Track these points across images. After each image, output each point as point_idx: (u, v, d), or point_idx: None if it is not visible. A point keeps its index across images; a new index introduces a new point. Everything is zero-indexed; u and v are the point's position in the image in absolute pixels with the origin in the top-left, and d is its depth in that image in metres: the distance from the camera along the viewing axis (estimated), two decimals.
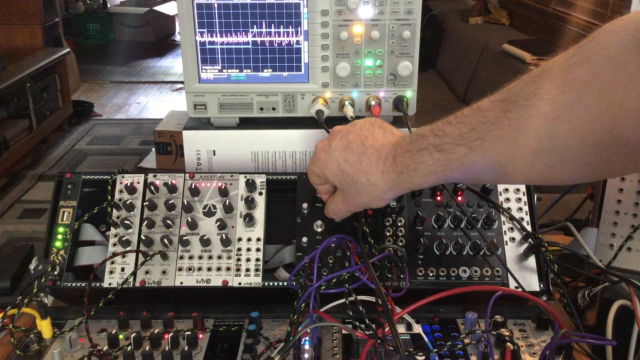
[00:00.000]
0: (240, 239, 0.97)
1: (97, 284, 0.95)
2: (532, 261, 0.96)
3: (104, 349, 0.85)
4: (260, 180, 1.01)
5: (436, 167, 0.73)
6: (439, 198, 1.00)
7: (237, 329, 0.89)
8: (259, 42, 1.08)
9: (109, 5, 7.91)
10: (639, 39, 0.56)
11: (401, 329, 0.88)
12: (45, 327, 0.87)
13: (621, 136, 0.59)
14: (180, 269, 0.95)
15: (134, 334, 0.85)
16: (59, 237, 0.98)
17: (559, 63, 0.63)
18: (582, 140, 0.61)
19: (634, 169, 0.65)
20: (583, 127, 0.61)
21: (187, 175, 1.02)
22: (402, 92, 1.10)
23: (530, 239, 0.96)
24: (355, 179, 0.81)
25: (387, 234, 0.98)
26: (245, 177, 1.02)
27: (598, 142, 0.61)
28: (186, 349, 0.82)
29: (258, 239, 0.97)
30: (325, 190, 0.92)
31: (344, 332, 0.87)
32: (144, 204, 0.99)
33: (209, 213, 0.99)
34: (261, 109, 1.11)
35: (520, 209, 0.99)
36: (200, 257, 0.96)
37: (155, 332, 0.86)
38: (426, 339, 0.85)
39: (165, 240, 0.96)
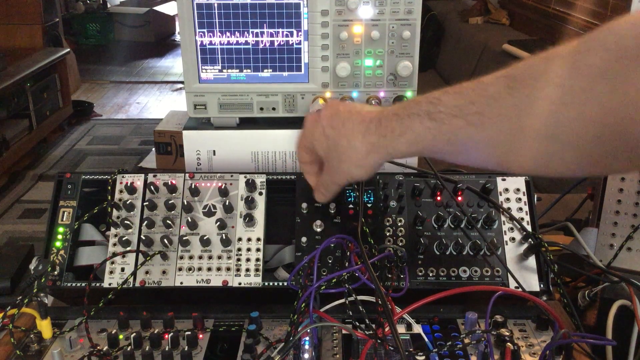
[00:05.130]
0: (240, 239, 0.97)
1: (97, 284, 0.95)
2: (532, 261, 0.96)
3: (104, 349, 0.85)
4: (260, 180, 1.01)
5: (424, 136, 0.69)
6: (439, 198, 1.00)
7: (237, 329, 0.89)
8: (259, 42, 1.08)
9: (109, 5, 7.91)
10: None
11: (401, 329, 0.88)
12: (45, 327, 0.87)
13: (629, 131, 0.57)
14: (180, 269, 0.95)
15: (134, 334, 0.85)
16: (59, 237, 0.98)
17: (571, 46, 0.60)
18: (588, 131, 0.59)
19: (636, 167, 0.63)
20: (591, 116, 0.58)
21: (187, 175, 1.02)
22: (402, 92, 1.10)
23: (530, 239, 0.96)
24: (337, 142, 0.78)
25: (387, 234, 0.98)
26: (245, 177, 1.02)
27: (604, 134, 0.59)
28: (186, 349, 0.82)
29: (258, 239, 0.97)
30: (311, 170, 0.88)
31: (344, 332, 0.87)
32: (144, 204, 0.99)
33: (209, 213, 0.99)
34: (261, 109, 1.11)
35: (520, 209, 0.99)
36: (200, 257, 0.96)
37: (155, 332, 0.86)
38: (426, 339, 0.85)
39: (165, 240, 0.96)
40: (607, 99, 0.57)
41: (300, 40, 1.07)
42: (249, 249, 0.96)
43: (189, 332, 0.85)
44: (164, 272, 0.95)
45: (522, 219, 0.99)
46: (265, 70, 1.10)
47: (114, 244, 0.97)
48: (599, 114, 0.58)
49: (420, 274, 0.95)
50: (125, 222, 0.97)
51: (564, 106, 0.60)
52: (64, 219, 1.00)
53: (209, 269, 0.95)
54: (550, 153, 0.64)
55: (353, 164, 0.78)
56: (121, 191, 1.01)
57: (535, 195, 1.01)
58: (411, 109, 0.71)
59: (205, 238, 0.96)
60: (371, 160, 0.77)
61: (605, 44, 0.58)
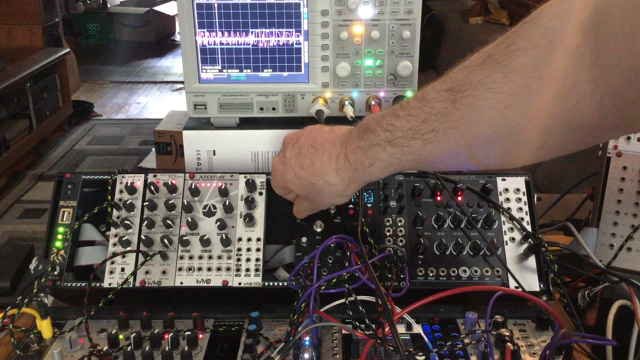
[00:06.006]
0: (240, 239, 0.97)
1: (97, 284, 0.95)
2: (532, 261, 0.96)
3: (104, 349, 0.85)
4: (260, 180, 1.01)
5: (392, 161, 0.73)
6: (439, 198, 1.00)
7: (237, 329, 0.89)
8: (259, 42, 1.08)
9: (109, 5, 7.90)
10: (584, 20, 0.55)
11: (401, 329, 0.88)
12: (45, 327, 0.87)
13: (574, 120, 0.58)
14: (180, 269, 0.95)
15: (134, 334, 0.85)
16: (59, 237, 0.98)
17: (501, 49, 0.62)
18: (536, 126, 0.61)
19: (589, 146, 0.64)
20: (535, 113, 0.60)
21: (187, 175, 1.02)
22: (402, 92, 1.10)
23: (530, 239, 0.96)
24: (313, 182, 0.82)
25: (387, 234, 0.98)
26: (245, 177, 1.02)
27: (552, 127, 0.60)
28: (186, 349, 0.82)
29: (258, 239, 0.97)
30: (293, 197, 0.92)
31: (344, 332, 0.87)
32: (144, 204, 0.99)
33: (209, 213, 0.99)
34: (261, 109, 1.11)
35: (520, 209, 0.99)
36: (200, 257, 0.96)
37: (155, 332, 0.86)
38: (426, 339, 0.85)
39: (165, 240, 0.96)
40: (546, 95, 0.58)
41: (300, 40, 1.07)
42: (249, 249, 0.97)
43: (189, 332, 0.86)
44: (164, 272, 0.95)
45: (522, 219, 0.99)
46: (265, 70, 1.10)
47: (114, 244, 0.97)
48: (543, 110, 0.59)
49: (420, 274, 0.95)
50: (125, 222, 0.97)
51: (508, 109, 0.61)
52: (64, 219, 1.00)
53: (209, 269, 0.95)
54: (505, 151, 0.66)
55: (334, 197, 0.83)
56: (121, 191, 1.01)
57: (535, 195, 1.01)
58: (370, 140, 0.74)
59: (205, 238, 0.96)
60: (351, 190, 0.82)
61: (534, 41, 0.59)
